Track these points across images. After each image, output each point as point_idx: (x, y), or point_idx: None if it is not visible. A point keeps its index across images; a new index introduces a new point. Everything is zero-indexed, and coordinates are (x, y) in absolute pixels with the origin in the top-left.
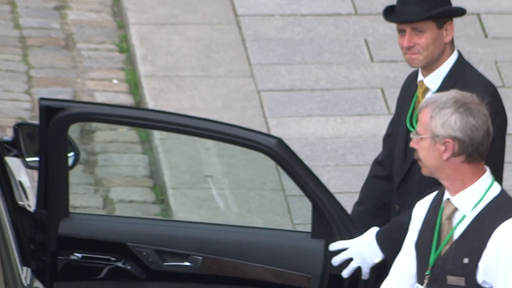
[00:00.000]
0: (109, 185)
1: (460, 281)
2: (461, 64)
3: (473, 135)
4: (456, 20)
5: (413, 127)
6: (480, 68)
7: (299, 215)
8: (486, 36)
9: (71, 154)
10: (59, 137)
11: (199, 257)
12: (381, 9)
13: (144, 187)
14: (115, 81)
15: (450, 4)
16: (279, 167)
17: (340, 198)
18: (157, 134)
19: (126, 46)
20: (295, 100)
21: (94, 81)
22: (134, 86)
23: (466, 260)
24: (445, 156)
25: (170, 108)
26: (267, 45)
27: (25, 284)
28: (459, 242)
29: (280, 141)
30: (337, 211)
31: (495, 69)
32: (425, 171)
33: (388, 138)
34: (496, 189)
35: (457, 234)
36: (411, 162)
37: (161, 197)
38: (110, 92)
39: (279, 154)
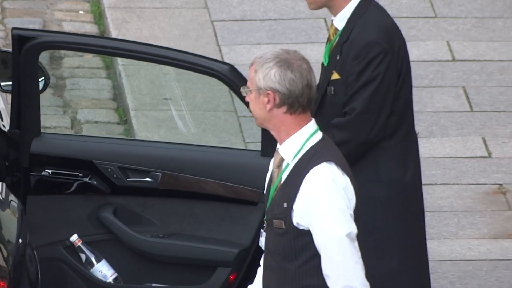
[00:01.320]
0: (77, 107)
1: (281, 224)
2: (364, 6)
3: (292, 88)
4: None
5: (326, 62)
6: (414, 0)
7: (250, 134)
8: None
9: (41, 78)
10: (30, 63)
11: (159, 173)
12: None
13: (108, 109)
14: (81, 12)
15: None
16: (231, 91)
17: None
18: (120, 61)
19: None
20: (245, 29)
21: (62, 12)
22: (99, 17)
23: (285, 205)
24: (268, 107)
25: (131, 37)
26: None
27: (0, 198)
28: (282, 188)
29: (232, 67)
30: None
31: (428, 0)
32: (256, 123)
33: (322, 66)
34: (317, 137)
35: (282, 181)
36: (323, 93)
37: (124, 118)
38: (77, 22)
39: (231, 79)
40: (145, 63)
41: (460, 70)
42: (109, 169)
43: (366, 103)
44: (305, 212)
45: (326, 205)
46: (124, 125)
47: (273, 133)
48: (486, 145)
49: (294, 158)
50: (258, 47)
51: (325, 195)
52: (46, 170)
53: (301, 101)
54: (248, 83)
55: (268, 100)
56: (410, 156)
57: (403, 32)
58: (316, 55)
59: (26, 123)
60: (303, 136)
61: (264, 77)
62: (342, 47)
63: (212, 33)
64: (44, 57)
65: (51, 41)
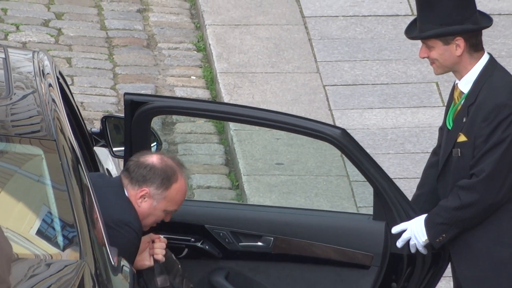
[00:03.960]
0: (189, 173)
1: None
2: (490, 68)
3: None
4: (504, 20)
5: (450, 125)
6: None
7: (362, 199)
8: None
9: (153, 144)
10: (142, 128)
11: (271, 238)
12: None
13: (220, 174)
14: (193, 77)
15: (463, 21)
16: (343, 155)
17: (399, 184)
18: (232, 126)
19: (203, 45)
20: (357, 93)
21: (174, 77)
22: (211, 82)
23: None
24: None
25: (243, 102)
26: (331, 43)
27: (113, 263)
28: None
29: (344, 131)
30: (396, 195)
31: None
32: None
33: (441, 130)
34: None
35: None
36: (447, 156)
37: (236, 183)
38: (189, 87)
39: (343, 143)
40: (257, 128)
41: None
42: (221, 234)
43: (495, 165)
44: None
45: None
46: (236, 190)
47: None
48: None
49: None
50: (370, 111)
51: None
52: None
53: None
54: None
55: None
56: None
57: None
58: (428, 119)
59: None
60: None
61: None
62: (469, 109)
63: (324, 98)
64: (156, 123)
65: (163, 106)
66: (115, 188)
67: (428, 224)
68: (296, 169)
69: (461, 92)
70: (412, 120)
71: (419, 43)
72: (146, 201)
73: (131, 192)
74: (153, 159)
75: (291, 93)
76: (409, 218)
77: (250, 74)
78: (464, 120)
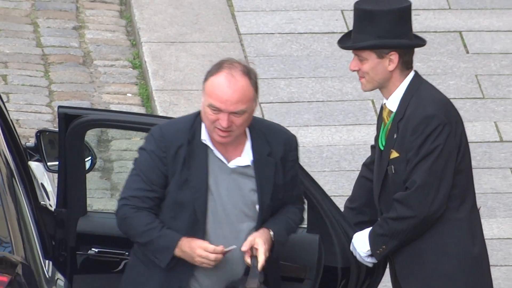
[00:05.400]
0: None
1: None
2: (416, 83)
3: None
4: (440, 37)
5: (382, 145)
6: (462, 81)
7: None
8: (467, 52)
9: (88, 158)
10: (77, 142)
11: None
12: None
13: None
14: (128, 95)
15: (400, 36)
16: None
17: (335, 201)
18: None
19: (138, 63)
20: (293, 111)
21: (110, 94)
22: (146, 99)
23: None
24: None
25: None
26: (267, 61)
27: (47, 276)
28: None
29: None
30: (329, 207)
31: (476, 82)
32: None
33: (373, 148)
34: None
35: None
36: (384, 175)
37: None
38: (124, 104)
39: None
40: None
41: (508, 151)
42: None
43: (426, 176)
44: None
45: None
46: None
47: None
48: None
49: None
50: (306, 129)
51: None
52: (93, 249)
53: None
54: None
55: None
56: (477, 229)
57: None
58: (363, 136)
59: (73, 202)
60: None
61: None
62: (398, 125)
63: (260, 115)
64: (91, 140)
65: (97, 119)
66: None
67: (371, 235)
68: None
69: (390, 111)
70: (348, 137)
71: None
72: (202, 101)
73: None
74: None
75: None
76: (342, 230)
77: (186, 92)
78: (395, 136)
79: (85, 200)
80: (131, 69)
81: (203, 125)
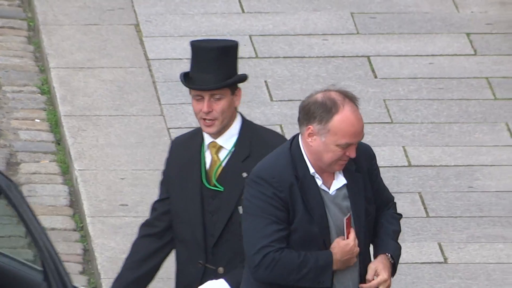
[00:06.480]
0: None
1: None
2: (247, 122)
3: None
4: (348, 62)
5: (214, 185)
6: (370, 106)
7: None
8: (375, 76)
9: None
10: None
11: None
12: (280, 53)
13: (64, 215)
14: (37, 120)
15: (237, 72)
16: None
17: None
18: (76, 166)
19: (47, 88)
20: None
21: (18, 120)
22: (55, 125)
23: None
24: None
25: (88, 145)
26: (175, 86)
27: None
28: None
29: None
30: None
31: (384, 106)
32: None
33: (162, 202)
34: None
35: None
36: (230, 216)
37: (80, 225)
38: (33, 130)
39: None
40: (102, 168)
41: (416, 175)
42: None
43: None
44: None
45: None
46: (80, 232)
47: None
48: (442, 250)
49: None
50: None
51: None
52: None
53: None
54: None
55: None
56: None
57: None
58: None
59: None
60: None
61: None
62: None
63: (168, 141)
64: (0, 163)
65: None
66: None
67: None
68: (140, 210)
69: (221, 147)
70: None
71: (263, 85)
72: (314, 139)
73: (302, 135)
74: (316, 95)
75: (135, 136)
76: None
77: (94, 117)
78: (245, 175)
79: None
80: (39, 94)
81: (306, 159)
